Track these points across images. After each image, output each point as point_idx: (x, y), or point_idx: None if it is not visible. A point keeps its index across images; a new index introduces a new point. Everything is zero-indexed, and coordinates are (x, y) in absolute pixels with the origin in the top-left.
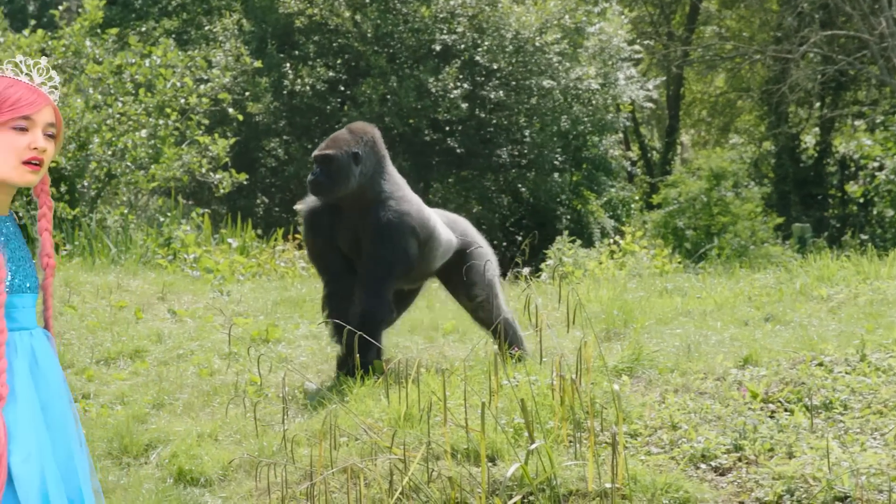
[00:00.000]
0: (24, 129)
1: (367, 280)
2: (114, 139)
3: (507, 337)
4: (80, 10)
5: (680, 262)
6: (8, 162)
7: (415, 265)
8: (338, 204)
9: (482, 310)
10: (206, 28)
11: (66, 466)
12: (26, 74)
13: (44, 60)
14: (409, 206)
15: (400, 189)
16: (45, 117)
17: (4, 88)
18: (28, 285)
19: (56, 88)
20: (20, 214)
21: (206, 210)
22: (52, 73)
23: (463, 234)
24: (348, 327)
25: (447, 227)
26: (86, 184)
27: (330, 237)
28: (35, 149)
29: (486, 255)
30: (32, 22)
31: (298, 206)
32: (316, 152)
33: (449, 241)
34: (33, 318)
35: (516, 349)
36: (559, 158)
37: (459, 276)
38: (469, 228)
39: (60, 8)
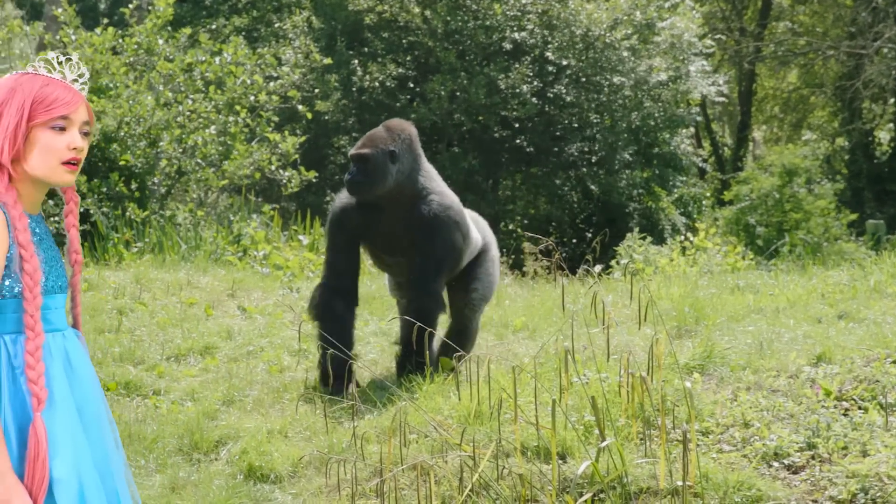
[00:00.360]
0: (62, 129)
1: (418, 276)
2: (184, 136)
3: (466, 340)
4: (150, 7)
5: (752, 259)
6: (48, 163)
7: (461, 258)
8: (376, 202)
9: (469, 307)
10: (276, 25)
11: (103, 468)
12: (59, 71)
13: (75, 56)
14: (450, 200)
15: (438, 185)
16: (81, 116)
17: (41, 87)
18: (60, 285)
19: (86, 84)
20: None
21: (276, 207)
22: (83, 68)
23: (483, 235)
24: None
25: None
26: (156, 181)
27: (355, 236)
28: (74, 149)
29: (497, 258)
30: (104, 20)
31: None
32: (352, 151)
33: (477, 240)
34: (64, 319)
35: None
36: (630, 155)
37: (464, 272)
38: (487, 229)
39: (130, 6)
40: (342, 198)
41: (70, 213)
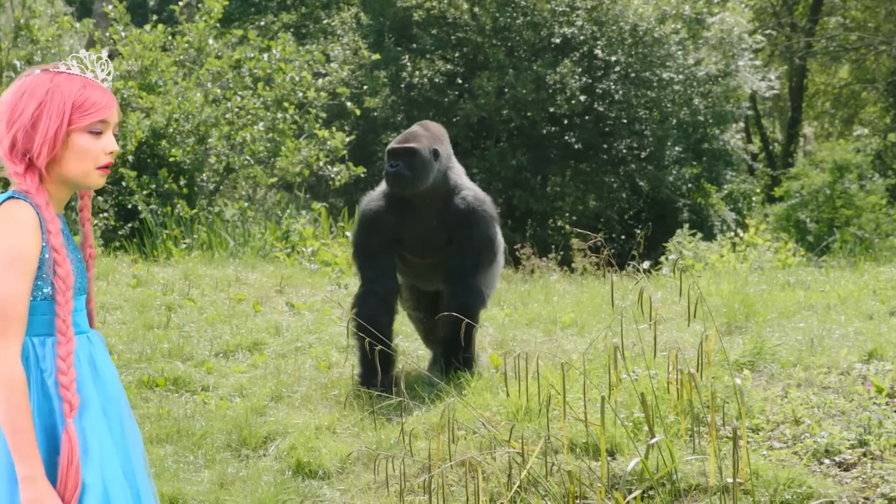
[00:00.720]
0: (99, 133)
1: (458, 272)
2: (232, 133)
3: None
4: (199, 4)
5: (802, 256)
6: (83, 166)
7: (498, 253)
8: (409, 201)
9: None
10: (325, 22)
11: (125, 468)
12: (91, 71)
13: (105, 53)
14: (484, 195)
15: (469, 182)
16: (115, 118)
17: (80, 90)
18: (83, 286)
19: (110, 80)
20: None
21: (324, 203)
22: (111, 66)
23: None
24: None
25: None
26: (205, 177)
27: (389, 237)
28: (110, 153)
29: (502, 262)
30: (153, 17)
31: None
32: (397, 145)
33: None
34: (87, 320)
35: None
36: (679, 151)
37: None
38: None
39: (181, 3)
40: (373, 199)
41: (84, 208)
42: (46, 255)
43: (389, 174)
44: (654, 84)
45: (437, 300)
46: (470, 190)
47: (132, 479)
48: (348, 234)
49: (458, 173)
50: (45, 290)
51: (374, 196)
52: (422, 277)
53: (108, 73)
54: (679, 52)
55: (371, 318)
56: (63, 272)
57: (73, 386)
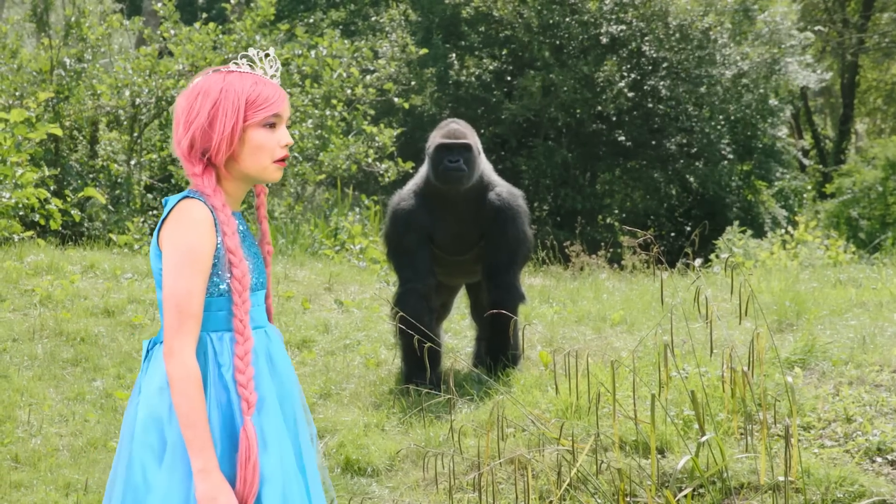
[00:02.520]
0: (272, 126)
1: (495, 270)
2: None
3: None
4: (251, 2)
5: (854, 253)
6: (260, 161)
7: (531, 248)
8: (444, 198)
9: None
10: (373, 19)
11: (299, 464)
12: (260, 68)
13: (272, 51)
14: (517, 191)
15: (498, 177)
16: (287, 112)
17: (252, 86)
18: (261, 282)
19: (279, 77)
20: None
21: (374, 200)
22: (278, 63)
23: None
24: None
25: None
26: None
27: (425, 235)
28: (284, 146)
29: None
30: (203, 15)
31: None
32: (453, 141)
33: None
34: (264, 315)
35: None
36: (728, 147)
37: None
38: None
39: (232, 1)
40: (404, 197)
41: (261, 205)
42: (222, 254)
43: (450, 169)
44: (703, 80)
45: (453, 293)
46: (503, 186)
47: (303, 474)
48: None
49: (489, 169)
50: (220, 287)
51: (405, 194)
52: (450, 273)
53: (277, 70)
54: (727, 48)
55: (415, 316)
56: (239, 273)
57: (251, 384)
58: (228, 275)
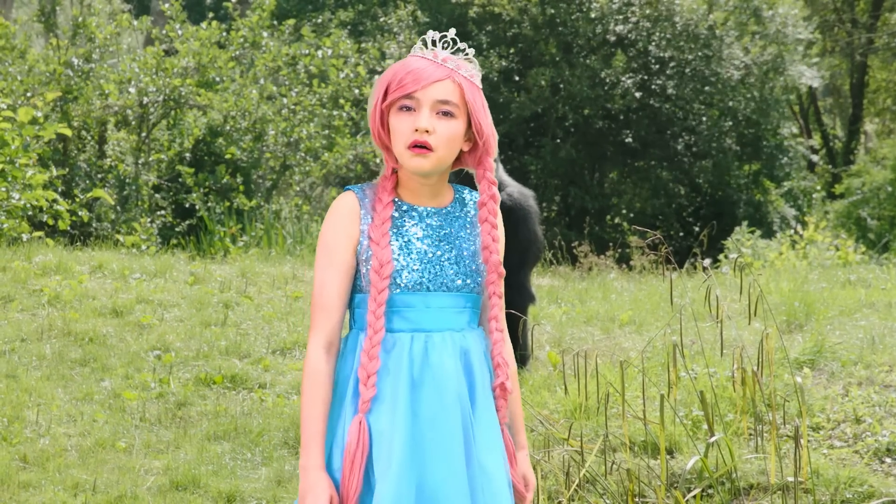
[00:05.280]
0: (409, 109)
1: (506, 268)
2: (288, 129)
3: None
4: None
5: (863, 253)
6: (397, 146)
7: (542, 249)
8: None
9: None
10: (381, 20)
11: (434, 487)
12: (431, 49)
13: (451, 32)
14: (528, 191)
15: (509, 177)
16: (434, 94)
17: (400, 68)
18: (433, 282)
19: (470, 60)
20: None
21: None
22: (461, 44)
23: None
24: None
25: None
26: (261, 175)
27: None
28: (416, 130)
29: None
30: (210, 14)
31: None
32: None
33: None
34: (445, 319)
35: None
36: (737, 147)
37: None
38: None
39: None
40: None
41: (483, 206)
42: (364, 244)
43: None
44: (710, 80)
45: None
46: (514, 186)
47: (440, 487)
48: None
49: (499, 169)
50: (358, 284)
51: None
52: None
53: (460, 51)
54: (733, 48)
55: None
56: (376, 263)
57: (371, 380)
58: (366, 264)
